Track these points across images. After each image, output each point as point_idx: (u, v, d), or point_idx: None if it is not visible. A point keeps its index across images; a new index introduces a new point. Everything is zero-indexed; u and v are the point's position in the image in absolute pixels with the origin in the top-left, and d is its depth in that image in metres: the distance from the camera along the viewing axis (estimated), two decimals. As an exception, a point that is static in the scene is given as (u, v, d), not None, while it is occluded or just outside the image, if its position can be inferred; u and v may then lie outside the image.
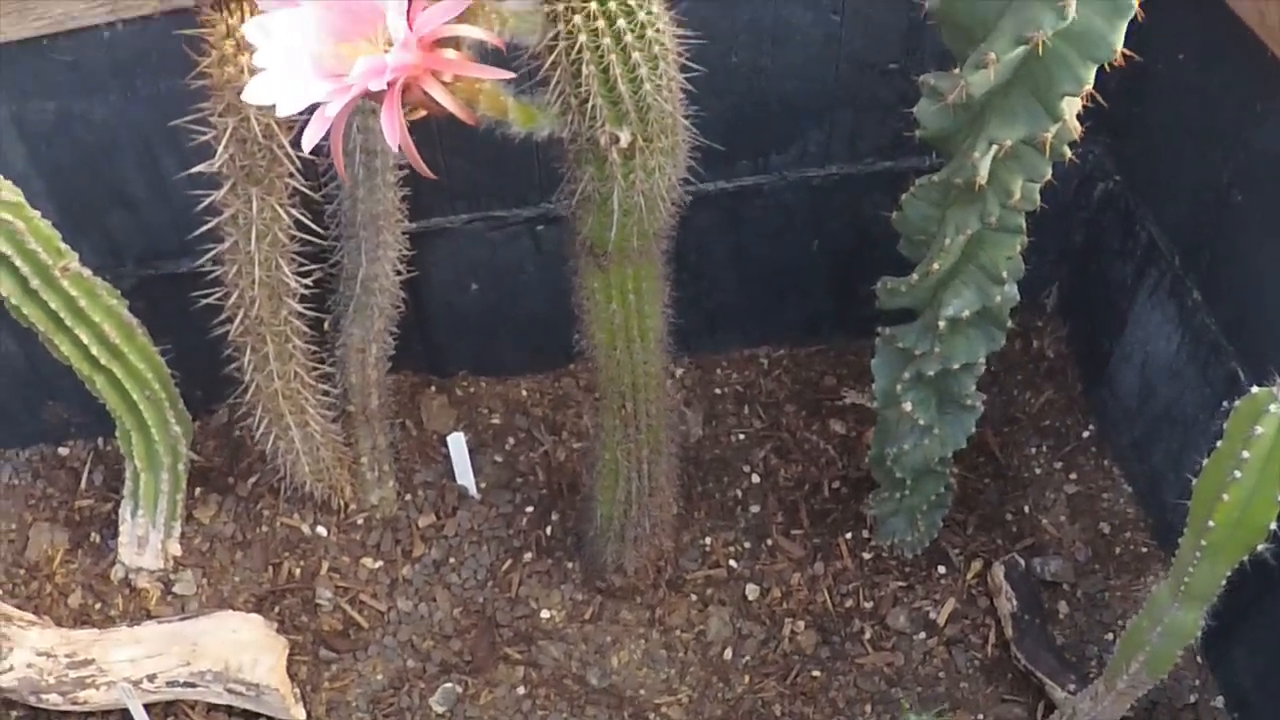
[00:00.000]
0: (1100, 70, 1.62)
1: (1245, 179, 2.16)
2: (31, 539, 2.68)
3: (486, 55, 1.45)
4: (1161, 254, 2.45)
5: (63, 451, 2.84)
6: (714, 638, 2.50)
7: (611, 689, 2.45)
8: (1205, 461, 1.70)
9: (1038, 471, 2.75)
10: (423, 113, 1.46)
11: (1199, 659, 2.52)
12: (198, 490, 2.70)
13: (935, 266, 1.99)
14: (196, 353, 2.33)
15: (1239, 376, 2.23)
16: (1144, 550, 2.63)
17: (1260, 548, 1.73)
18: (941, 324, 2.08)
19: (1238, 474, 1.63)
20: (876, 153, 2.56)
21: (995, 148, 1.75)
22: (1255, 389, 1.61)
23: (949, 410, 2.31)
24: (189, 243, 2.21)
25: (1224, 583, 1.83)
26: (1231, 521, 1.69)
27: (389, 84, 1.35)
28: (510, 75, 1.48)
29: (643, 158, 1.68)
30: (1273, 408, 1.59)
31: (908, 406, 2.24)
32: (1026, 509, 2.70)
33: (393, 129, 1.38)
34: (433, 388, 2.84)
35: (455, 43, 1.44)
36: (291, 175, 2.03)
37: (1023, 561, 2.55)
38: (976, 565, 2.61)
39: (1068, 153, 1.80)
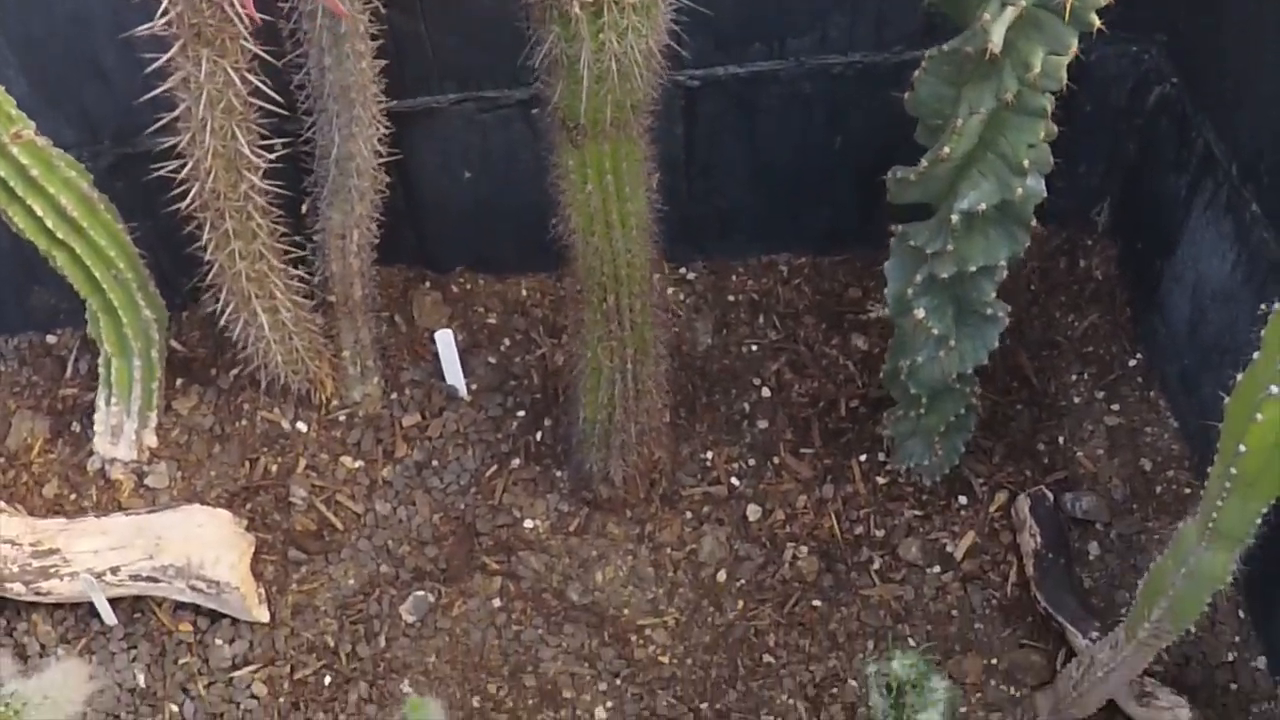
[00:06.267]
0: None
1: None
2: (13, 427, 2.55)
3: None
4: (1218, 163, 2.23)
5: (50, 340, 2.70)
6: (707, 558, 2.32)
7: (593, 606, 2.29)
8: (1239, 376, 1.49)
9: (1076, 400, 2.54)
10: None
11: (1241, 613, 2.32)
12: (179, 381, 2.57)
13: (947, 151, 1.78)
14: (180, 235, 2.17)
15: (1299, 299, 2.02)
16: (1187, 491, 2.43)
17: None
18: (955, 218, 1.87)
19: (1274, 389, 1.41)
20: (905, 40, 2.34)
21: (1009, 8, 1.54)
22: (1296, 292, 1.40)
23: (968, 321, 2.11)
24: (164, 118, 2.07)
25: (1260, 522, 1.61)
26: (1267, 445, 1.47)
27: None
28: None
29: (612, 16, 1.57)
30: (1315, 311, 1.37)
31: (920, 313, 2.04)
32: (1061, 440, 2.49)
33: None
34: (427, 283, 2.66)
35: None
36: (246, 38, 1.84)
37: (1051, 496, 2.35)
38: (1001, 497, 2.41)
39: (1095, 21, 1.59)
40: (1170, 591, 1.77)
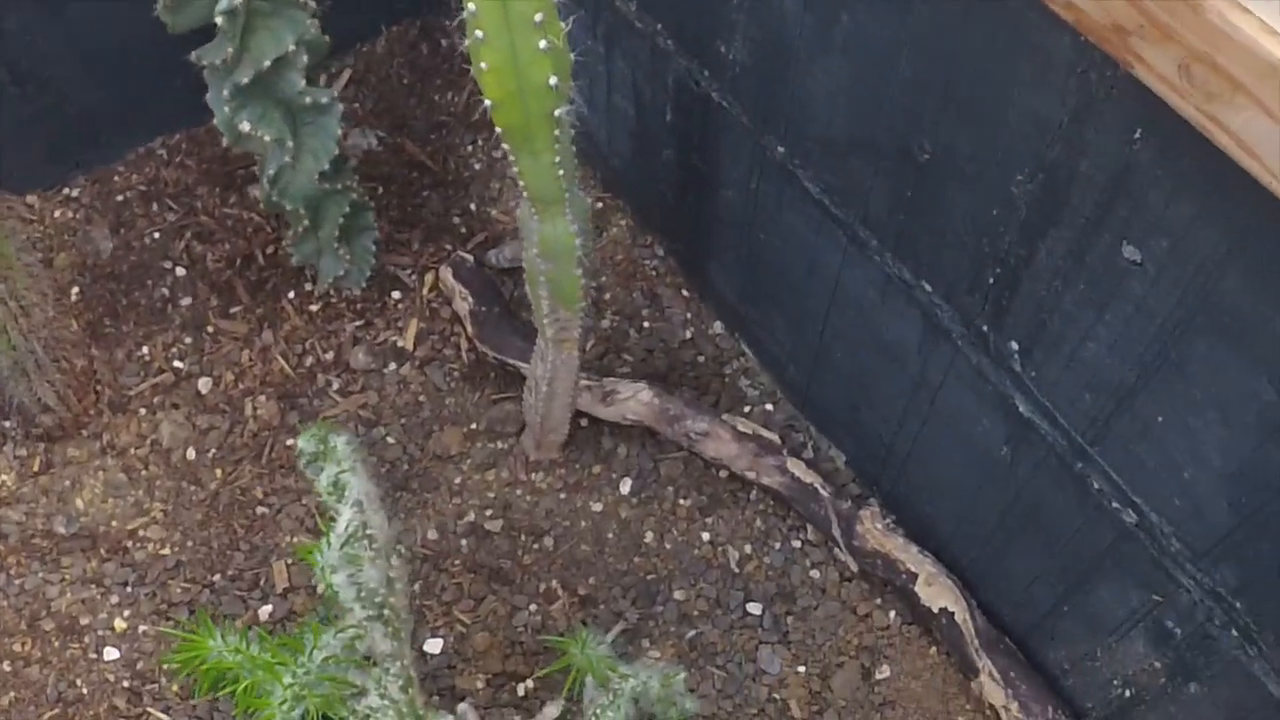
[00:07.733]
0: None
1: None
2: None
3: None
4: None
5: None
6: (171, 443, 2.31)
7: (82, 531, 2.25)
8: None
9: (477, 167, 2.61)
10: None
11: (685, 292, 2.44)
12: None
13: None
14: None
15: None
16: (599, 205, 2.53)
17: (560, 112, 1.56)
18: (220, 20, 1.89)
19: (480, 34, 1.46)
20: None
21: None
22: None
23: (304, 119, 2.13)
24: None
25: (562, 172, 1.67)
26: (507, 93, 1.53)
27: None
28: None
29: None
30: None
31: (245, 127, 2.05)
32: (473, 206, 2.56)
33: None
34: None
35: None
36: None
37: (472, 257, 2.42)
38: (431, 279, 2.47)
39: None
40: (542, 277, 1.85)
